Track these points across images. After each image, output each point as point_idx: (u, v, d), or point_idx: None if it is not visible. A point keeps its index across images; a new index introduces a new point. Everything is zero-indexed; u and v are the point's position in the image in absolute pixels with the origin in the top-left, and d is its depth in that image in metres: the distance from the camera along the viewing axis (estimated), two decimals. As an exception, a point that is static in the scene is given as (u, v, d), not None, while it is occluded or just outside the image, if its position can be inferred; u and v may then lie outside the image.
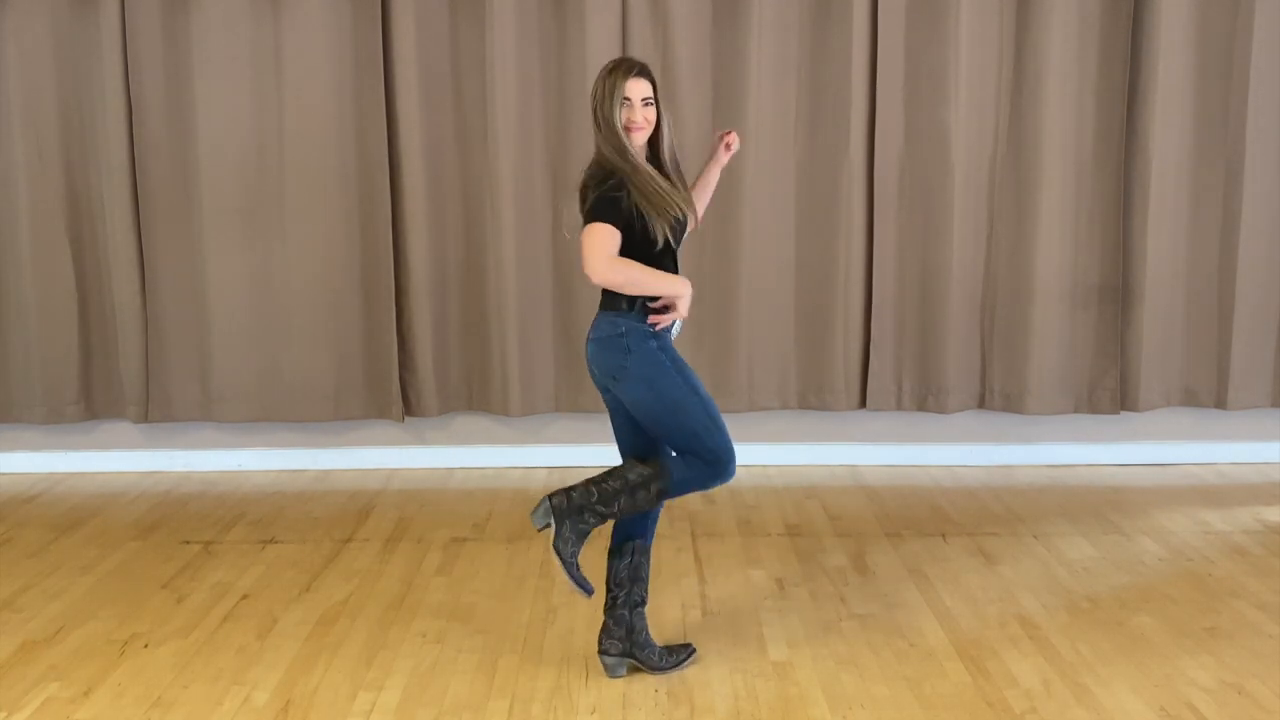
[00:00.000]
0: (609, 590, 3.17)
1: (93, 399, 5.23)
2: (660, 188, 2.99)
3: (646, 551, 3.20)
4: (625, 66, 3.02)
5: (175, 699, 3.04)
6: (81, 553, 4.20)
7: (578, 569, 3.00)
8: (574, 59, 4.93)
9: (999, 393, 5.15)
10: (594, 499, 3.00)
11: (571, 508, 2.98)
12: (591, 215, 2.94)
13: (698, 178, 3.42)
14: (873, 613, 3.56)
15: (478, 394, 5.20)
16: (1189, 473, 5.12)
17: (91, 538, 4.37)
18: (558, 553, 2.97)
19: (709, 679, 3.12)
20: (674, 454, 3.12)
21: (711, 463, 3.07)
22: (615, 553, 3.18)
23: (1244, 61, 4.91)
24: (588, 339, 3.10)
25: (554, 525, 2.97)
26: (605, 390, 3.14)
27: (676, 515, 4.54)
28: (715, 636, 3.39)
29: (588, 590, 3.01)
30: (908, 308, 5.11)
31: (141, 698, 3.05)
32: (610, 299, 3.07)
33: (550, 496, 3.00)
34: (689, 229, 3.12)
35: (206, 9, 4.92)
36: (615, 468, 3.08)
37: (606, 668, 3.15)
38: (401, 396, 5.14)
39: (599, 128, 3.00)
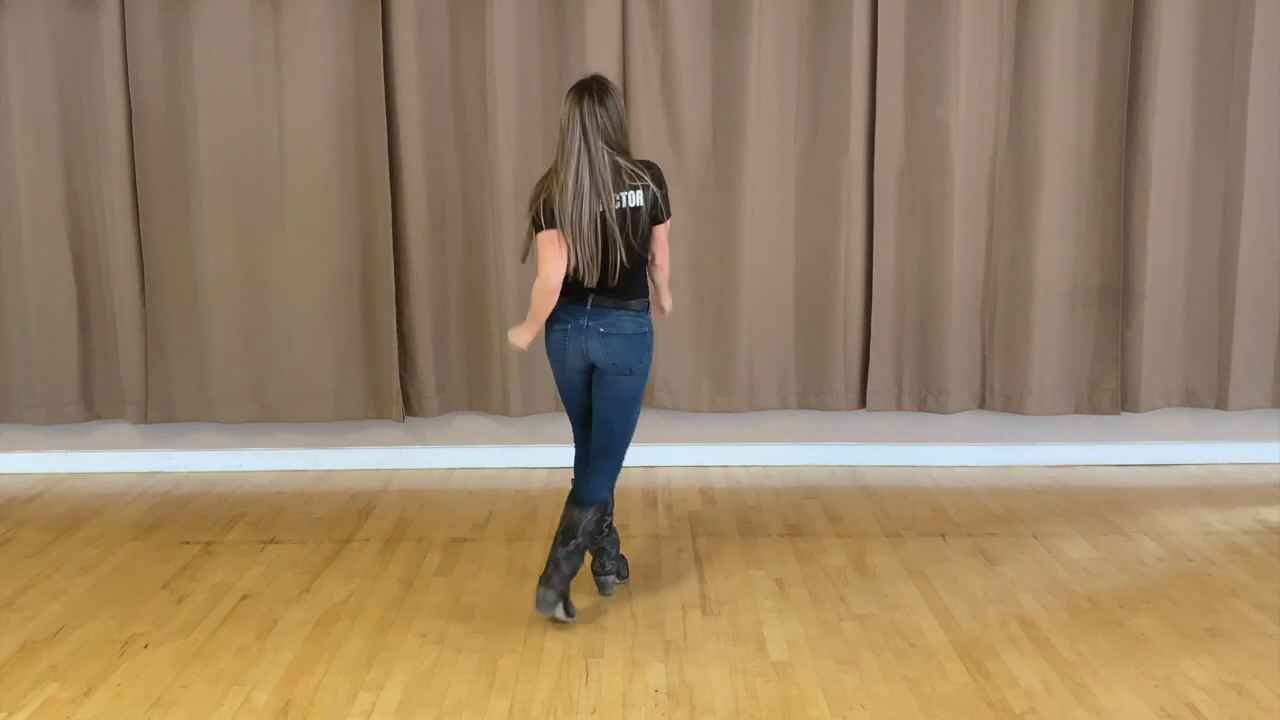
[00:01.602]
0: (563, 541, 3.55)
1: (92, 399, 5.23)
2: None
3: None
4: None
5: (175, 699, 3.04)
6: (81, 553, 4.20)
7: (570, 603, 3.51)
8: (574, 59, 4.93)
9: (999, 393, 5.15)
10: (574, 560, 3.47)
11: (565, 577, 3.45)
12: (670, 212, 3.45)
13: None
14: (873, 613, 3.56)
15: (478, 394, 5.20)
16: (1189, 473, 5.12)
17: (91, 538, 4.37)
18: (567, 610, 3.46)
19: (709, 679, 3.12)
20: (599, 460, 3.56)
21: (621, 462, 3.59)
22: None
23: (1244, 62, 4.91)
24: (603, 330, 3.43)
25: (563, 601, 3.46)
26: (582, 373, 3.54)
27: (676, 515, 4.54)
28: (715, 636, 3.39)
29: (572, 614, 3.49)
30: (908, 308, 5.11)
31: (141, 698, 3.05)
32: (634, 296, 3.45)
33: (551, 587, 3.42)
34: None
35: (206, 9, 4.92)
36: (570, 525, 3.48)
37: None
38: (401, 396, 5.14)
39: (625, 138, 3.43)
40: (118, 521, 4.57)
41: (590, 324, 3.43)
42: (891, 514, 4.55)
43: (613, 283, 3.40)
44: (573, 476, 3.69)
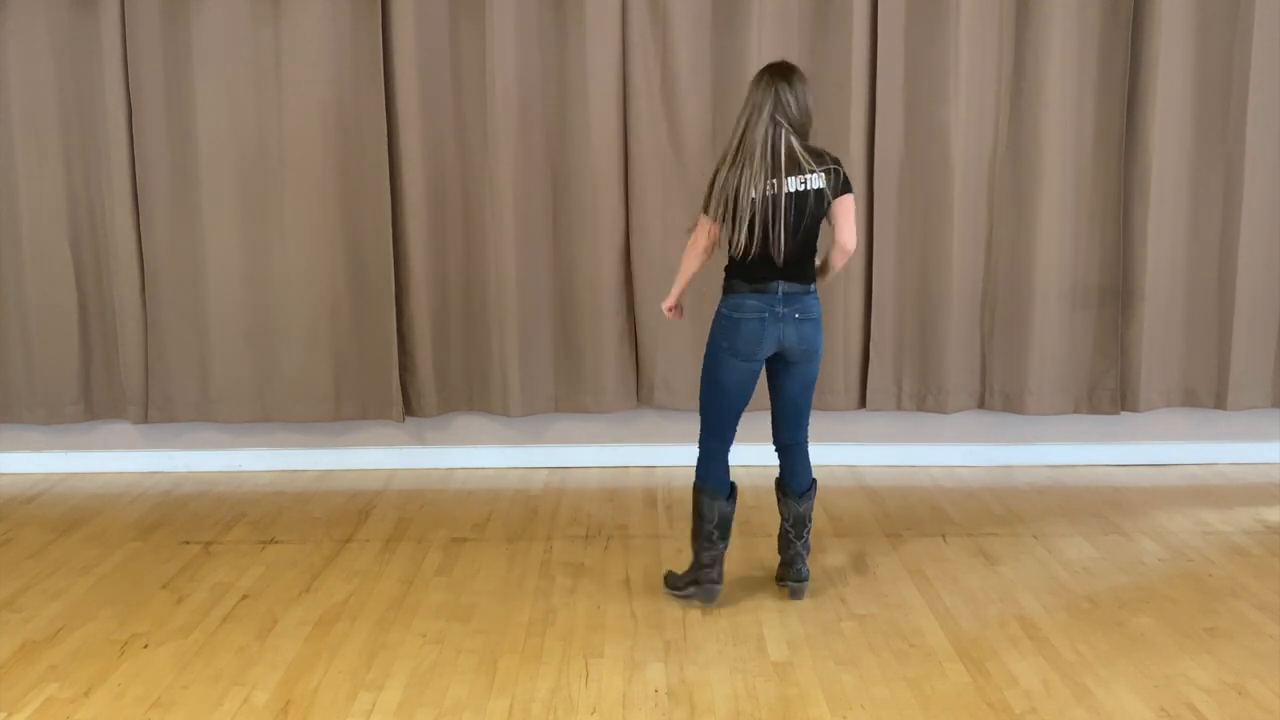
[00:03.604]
0: (720, 537, 3.61)
1: (93, 399, 5.23)
2: None
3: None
4: None
5: (175, 699, 3.04)
6: (81, 553, 4.20)
7: None
8: (574, 59, 4.93)
9: (999, 393, 5.15)
10: (808, 543, 3.69)
11: (804, 559, 3.68)
12: (849, 187, 3.47)
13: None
14: (873, 613, 3.56)
15: (478, 394, 5.20)
16: (1189, 473, 5.12)
17: (91, 538, 4.37)
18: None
19: (709, 679, 3.12)
20: (803, 445, 3.68)
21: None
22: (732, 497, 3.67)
23: (1244, 61, 4.91)
24: (798, 317, 3.46)
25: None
26: (764, 363, 3.51)
27: (676, 515, 4.54)
28: (715, 636, 3.39)
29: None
30: (908, 308, 5.11)
31: (141, 698, 3.05)
32: (813, 279, 3.50)
33: (803, 580, 3.65)
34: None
35: (206, 9, 4.92)
36: (798, 518, 3.65)
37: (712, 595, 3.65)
38: (401, 396, 5.14)
39: (809, 125, 3.44)
40: (118, 521, 4.57)
41: (785, 310, 3.45)
42: (891, 514, 4.55)
43: (792, 263, 3.42)
44: (705, 480, 3.59)
